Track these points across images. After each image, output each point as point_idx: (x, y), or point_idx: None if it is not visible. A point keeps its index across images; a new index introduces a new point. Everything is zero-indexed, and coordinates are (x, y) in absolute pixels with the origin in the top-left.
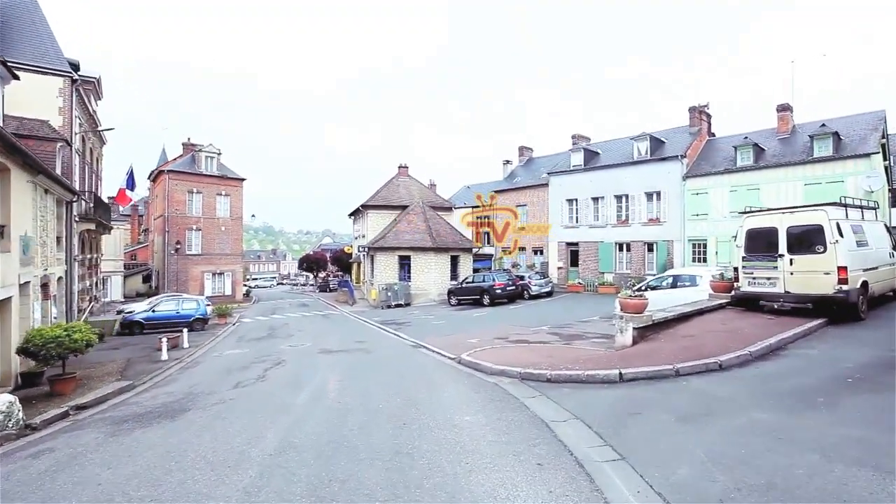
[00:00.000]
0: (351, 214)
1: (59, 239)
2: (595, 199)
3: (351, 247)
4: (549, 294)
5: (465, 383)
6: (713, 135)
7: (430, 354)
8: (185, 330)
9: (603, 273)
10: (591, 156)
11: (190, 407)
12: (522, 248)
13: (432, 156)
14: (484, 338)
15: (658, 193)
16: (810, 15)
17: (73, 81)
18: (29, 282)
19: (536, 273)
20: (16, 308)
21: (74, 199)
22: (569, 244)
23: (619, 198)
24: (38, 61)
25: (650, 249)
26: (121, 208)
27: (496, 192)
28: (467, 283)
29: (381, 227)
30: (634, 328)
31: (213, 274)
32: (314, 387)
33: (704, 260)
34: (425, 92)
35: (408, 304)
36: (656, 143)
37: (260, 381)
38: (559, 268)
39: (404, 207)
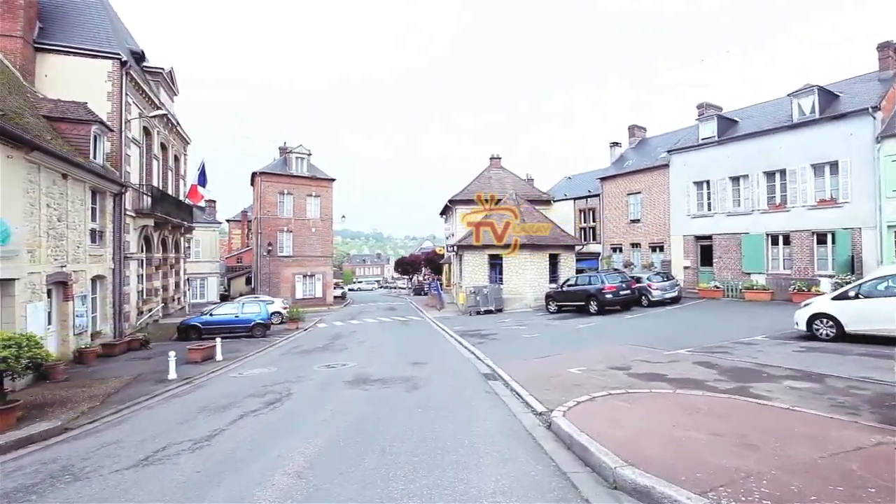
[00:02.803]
0: (442, 213)
1: (100, 233)
2: (735, 180)
3: (443, 248)
4: (675, 300)
5: None
6: None
7: (503, 398)
8: (245, 336)
9: (749, 274)
10: (726, 125)
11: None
12: (635, 245)
13: (524, 151)
14: (592, 365)
15: (833, 165)
16: None
17: (123, 64)
18: (14, 279)
19: (657, 274)
20: None
21: (122, 192)
22: (698, 238)
23: (770, 175)
24: (86, 45)
25: (821, 241)
26: (201, 208)
27: (603, 179)
28: (569, 285)
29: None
30: None
31: (304, 276)
32: (237, 488)
33: None
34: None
35: (499, 311)
36: (827, 97)
37: (189, 452)
38: (686, 267)
39: (498, 202)
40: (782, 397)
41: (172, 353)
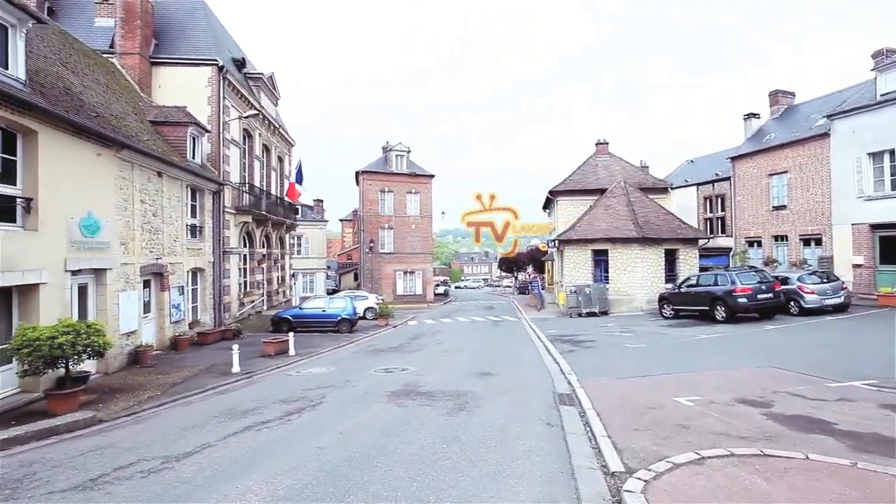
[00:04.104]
0: (544, 207)
1: (199, 228)
2: None
3: (545, 244)
4: (839, 308)
5: None
6: None
7: (568, 435)
8: (332, 331)
9: None
10: None
11: None
12: (780, 237)
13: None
14: (711, 394)
15: None
16: None
17: (220, 69)
18: (106, 269)
19: (812, 274)
20: (52, 297)
21: (220, 190)
22: (875, 227)
23: None
24: (189, 55)
25: None
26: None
27: (734, 159)
28: (689, 286)
29: (575, 216)
30: None
31: (405, 272)
32: None
33: None
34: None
35: (603, 313)
36: None
37: (142, 476)
38: (856, 265)
39: (603, 191)
40: None
41: (236, 347)
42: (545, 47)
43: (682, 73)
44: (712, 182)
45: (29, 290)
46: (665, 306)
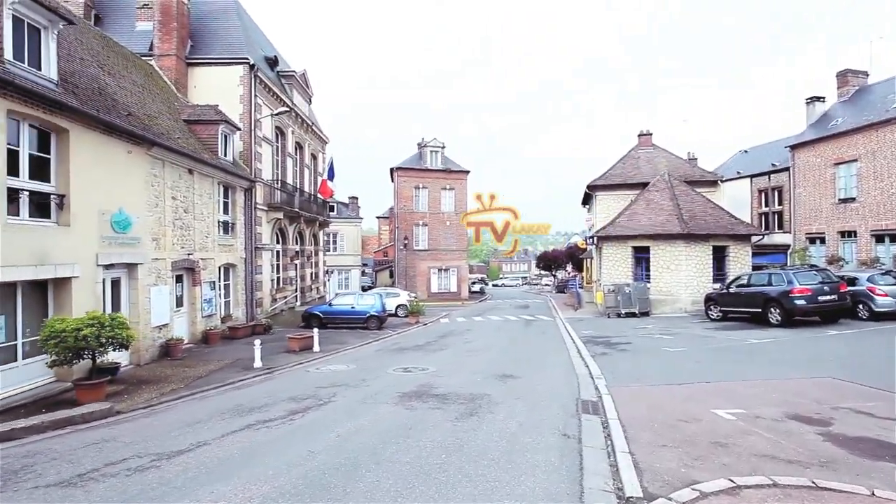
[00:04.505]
0: (584, 202)
1: (231, 224)
2: None
3: (584, 241)
4: None
5: None
6: None
7: (585, 448)
8: (361, 328)
9: None
10: None
11: None
12: (847, 233)
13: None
14: (756, 407)
15: None
16: None
17: (251, 68)
18: (137, 264)
19: (886, 273)
20: (84, 290)
21: (251, 187)
22: None
23: None
24: (222, 54)
25: None
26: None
27: (794, 147)
28: (740, 285)
29: (615, 212)
30: None
31: (439, 270)
32: None
33: None
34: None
35: (644, 314)
36: None
37: (126, 475)
38: None
39: (646, 185)
40: None
41: (258, 342)
42: (570, 48)
43: (713, 73)
44: (768, 173)
45: (62, 284)
46: (712, 308)
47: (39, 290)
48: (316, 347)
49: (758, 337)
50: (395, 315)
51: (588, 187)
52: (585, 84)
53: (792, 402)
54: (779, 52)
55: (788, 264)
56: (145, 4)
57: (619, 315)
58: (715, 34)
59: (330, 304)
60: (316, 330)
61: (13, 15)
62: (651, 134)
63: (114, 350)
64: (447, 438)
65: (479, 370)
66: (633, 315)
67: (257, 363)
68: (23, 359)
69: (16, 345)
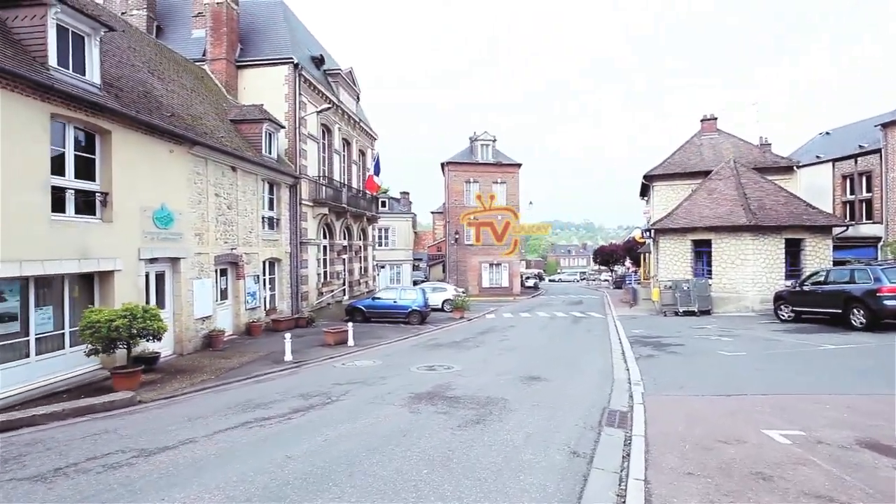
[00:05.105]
0: (642, 194)
1: (276, 220)
2: None
3: (642, 235)
4: None
5: None
6: None
7: (593, 471)
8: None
9: None
10: None
11: None
12: None
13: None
14: (819, 429)
15: None
16: None
17: (296, 67)
18: (180, 258)
19: None
20: (127, 282)
21: (296, 183)
22: None
23: None
24: (269, 55)
25: None
26: (396, 199)
27: (886, 126)
28: (816, 283)
29: (675, 203)
30: None
31: (490, 265)
32: None
33: None
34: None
35: (704, 312)
36: None
37: (97, 472)
38: None
39: (709, 174)
40: None
41: (288, 336)
42: (576, 48)
43: (717, 73)
44: (854, 157)
45: (106, 277)
46: (782, 307)
47: (87, 283)
48: (350, 342)
49: (834, 342)
50: (441, 310)
51: (645, 177)
52: (592, 84)
53: (867, 426)
54: (782, 52)
55: (879, 259)
56: (199, 13)
57: (676, 313)
58: (719, 34)
59: (373, 299)
60: (350, 324)
61: (57, 24)
62: (716, 119)
63: (146, 340)
64: (439, 450)
65: (506, 370)
66: (691, 314)
67: (287, 356)
68: (70, 346)
69: (63, 333)
